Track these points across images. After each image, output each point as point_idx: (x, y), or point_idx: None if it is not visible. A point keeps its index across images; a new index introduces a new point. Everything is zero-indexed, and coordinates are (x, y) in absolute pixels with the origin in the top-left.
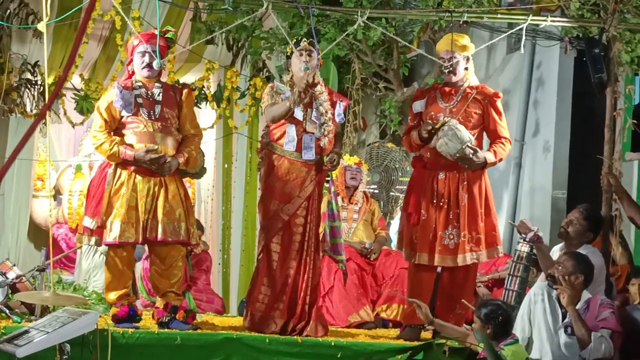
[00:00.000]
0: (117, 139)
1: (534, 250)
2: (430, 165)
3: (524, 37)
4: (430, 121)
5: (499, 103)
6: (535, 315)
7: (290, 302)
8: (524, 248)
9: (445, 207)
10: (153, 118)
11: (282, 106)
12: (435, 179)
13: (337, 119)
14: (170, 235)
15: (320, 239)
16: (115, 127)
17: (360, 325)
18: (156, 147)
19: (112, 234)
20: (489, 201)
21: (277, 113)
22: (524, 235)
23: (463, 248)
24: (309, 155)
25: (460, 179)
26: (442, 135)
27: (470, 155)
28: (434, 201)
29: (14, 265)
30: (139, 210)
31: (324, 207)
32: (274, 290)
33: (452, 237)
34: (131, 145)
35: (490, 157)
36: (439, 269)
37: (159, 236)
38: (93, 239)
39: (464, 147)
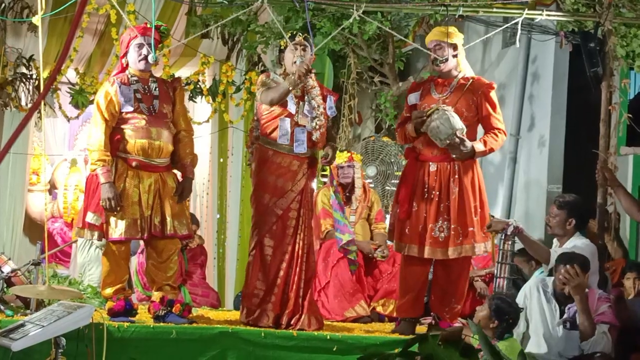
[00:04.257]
0: (108, 159)
1: (515, 245)
2: (422, 157)
3: (519, 31)
4: (421, 110)
5: (492, 94)
6: (532, 311)
7: (283, 295)
8: (507, 246)
9: (436, 199)
10: (153, 113)
11: (280, 88)
12: (426, 170)
13: (328, 112)
14: (180, 230)
15: (322, 236)
16: (114, 124)
17: (356, 320)
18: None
19: (118, 230)
20: (482, 194)
21: (276, 95)
22: (505, 232)
23: (453, 241)
24: (301, 148)
25: (452, 171)
26: (435, 118)
27: (458, 143)
28: (425, 193)
29: (9, 259)
30: (142, 206)
31: (323, 204)
32: (267, 284)
33: (442, 229)
34: (132, 136)
35: (479, 146)
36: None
37: (169, 231)
38: (96, 234)
39: (454, 133)
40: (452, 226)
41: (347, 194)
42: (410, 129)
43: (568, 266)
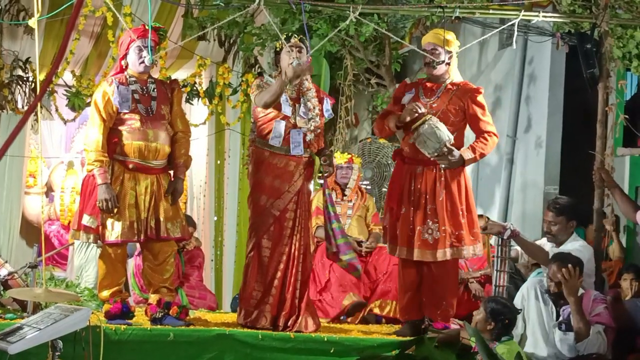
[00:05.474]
0: (105, 160)
1: (511, 248)
2: (409, 160)
3: (515, 33)
4: (415, 105)
5: (480, 98)
6: (529, 312)
7: (280, 297)
8: (504, 252)
9: (423, 202)
10: (150, 114)
11: (271, 88)
12: (413, 173)
13: (325, 115)
14: (173, 233)
15: (312, 232)
16: (112, 125)
17: (353, 307)
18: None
19: (115, 233)
20: (469, 198)
21: (267, 96)
22: (501, 236)
23: (443, 243)
24: (298, 150)
25: (438, 174)
26: (421, 133)
27: (446, 153)
28: (412, 196)
29: (6, 262)
30: (140, 209)
31: (318, 203)
32: (265, 285)
33: (431, 232)
34: (129, 136)
35: (467, 154)
36: None
37: (162, 234)
38: (91, 237)
39: (441, 146)
40: (442, 228)
41: (344, 194)
42: (391, 125)
43: (563, 267)
